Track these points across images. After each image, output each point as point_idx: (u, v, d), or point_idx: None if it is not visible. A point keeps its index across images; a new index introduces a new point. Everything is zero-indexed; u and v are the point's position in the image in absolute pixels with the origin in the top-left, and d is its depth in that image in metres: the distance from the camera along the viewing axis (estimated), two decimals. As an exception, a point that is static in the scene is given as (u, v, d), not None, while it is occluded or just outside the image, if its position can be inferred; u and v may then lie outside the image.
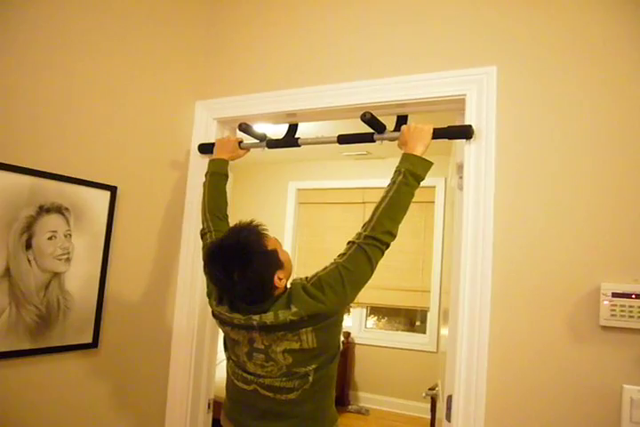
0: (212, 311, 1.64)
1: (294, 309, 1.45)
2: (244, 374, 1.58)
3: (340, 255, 1.55)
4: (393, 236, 1.57)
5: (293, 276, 1.58)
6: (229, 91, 2.23)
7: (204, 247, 1.83)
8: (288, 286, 1.55)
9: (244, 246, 1.45)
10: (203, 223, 1.89)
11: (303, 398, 1.52)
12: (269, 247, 1.49)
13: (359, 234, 1.55)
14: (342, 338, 5.20)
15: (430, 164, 1.63)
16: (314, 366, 1.50)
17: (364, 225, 1.57)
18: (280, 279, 1.49)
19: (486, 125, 1.69)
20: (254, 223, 1.54)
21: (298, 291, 1.48)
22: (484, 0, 1.78)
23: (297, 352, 1.48)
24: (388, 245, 1.56)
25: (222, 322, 1.60)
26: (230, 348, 1.63)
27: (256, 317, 1.48)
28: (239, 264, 1.43)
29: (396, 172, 1.62)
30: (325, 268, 1.54)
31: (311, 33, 2.10)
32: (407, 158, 1.63)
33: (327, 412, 1.60)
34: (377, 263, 1.55)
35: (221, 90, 2.25)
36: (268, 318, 1.46)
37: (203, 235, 1.87)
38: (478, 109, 1.71)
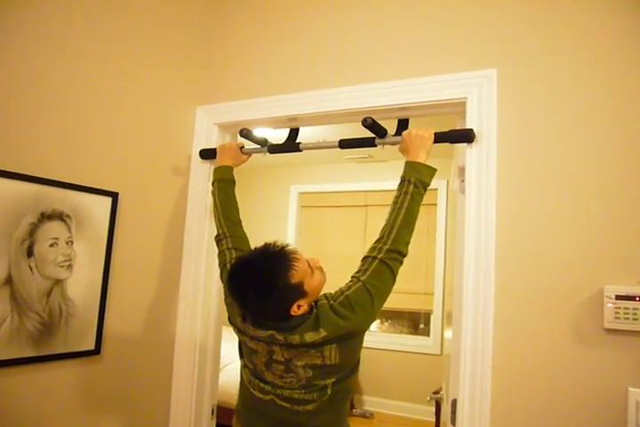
0: (229, 319, 1.63)
1: (323, 333, 1.42)
2: (261, 384, 1.55)
3: (362, 271, 1.52)
4: (408, 245, 1.57)
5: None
6: (230, 96, 2.23)
7: (220, 254, 1.81)
8: (313, 304, 1.50)
9: (265, 278, 1.41)
10: (217, 229, 1.87)
11: (320, 409, 1.50)
12: (294, 280, 1.42)
13: (378, 248, 1.53)
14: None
15: (435, 170, 1.63)
16: (333, 379, 1.49)
17: (380, 238, 1.54)
18: (300, 306, 1.44)
19: (487, 128, 1.69)
20: (286, 249, 1.47)
21: (326, 312, 1.45)
22: (484, 3, 1.78)
23: (319, 367, 1.47)
24: (406, 256, 1.57)
25: (241, 332, 1.59)
26: (247, 355, 1.62)
27: (280, 337, 1.45)
28: (258, 295, 1.40)
29: (405, 181, 1.60)
30: (349, 286, 1.50)
31: (311, 37, 2.10)
32: (414, 167, 1.62)
33: (342, 423, 1.59)
34: (397, 275, 1.55)
35: (222, 95, 2.25)
36: (295, 339, 1.44)
37: (218, 241, 1.85)
38: (479, 112, 1.71)
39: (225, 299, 1.67)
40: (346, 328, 1.44)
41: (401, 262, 1.56)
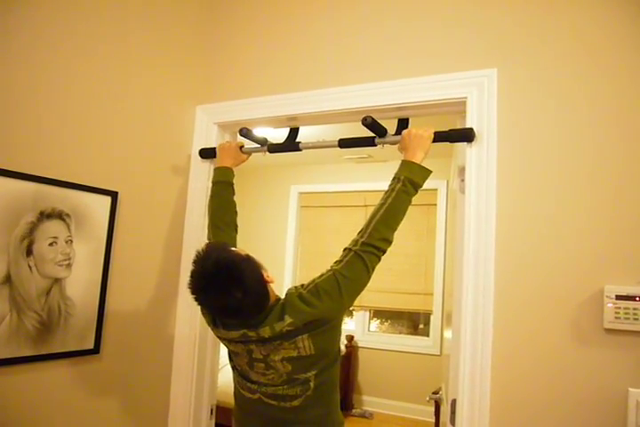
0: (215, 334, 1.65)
1: (288, 319, 1.45)
2: (248, 384, 1.59)
3: (337, 262, 1.55)
4: (389, 242, 1.57)
5: (288, 285, 1.57)
6: (230, 95, 2.23)
7: None
8: (279, 295, 1.54)
9: (226, 264, 1.42)
10: (207, 235, 1.91)
11: (307, 404, 1.52)
12: (243, 254, 1.48)
13: (355, 241, 1.55)
14: (345, 341, 5.18)
15: (429, 172, 1.63)
16: (314, 371, 1.50)
17: (360, 232, 1.57)
18: (268, 276, 1.49)
19: (487, 128, 1.69)
20: (212, 243, 1.58)
21: (292, 300, 1.48)
22: (483, 2, 1.78)
23: (295, 360, 1.49)
24: (384, 252, 1.57)
25: (220, 338, 1.62)
26: (233, 358, 1.65)
27: (252, 333, 1.48)
28: (235, 281, 1.40)
29: (394, 179, 1.62)
30: (322, 275, 1.54)
31: (311, 37, 2.10)
32: (407, 166, 1.63)
33: (333, 416, 1.60)
34: (373, 270, 1.55)
35: (222, 94, 2.25)
36: (265, 331, 1.46)
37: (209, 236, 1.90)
38: (479, 112, 1.71)
39: (201, 310, 1.69)
40: (311, 314, 1.46)
41: (377, 257, 1.55)
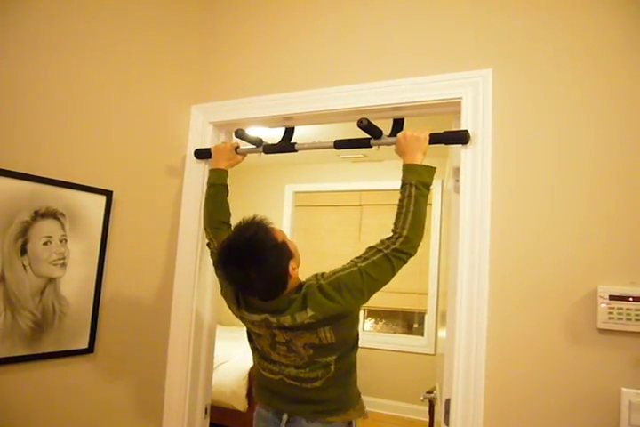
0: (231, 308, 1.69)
1: (311, 312, 1.49)
2: (270, 365, 1.67)
3: (362, 259, 1.57)
4: (417, 248, 1.60)
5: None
6: (225, 95, 2.22)
7: (211, 255, 1.90)
8: (302, 279, 1.59)
9: (255, 243, 1.48)
10: (206, 236, 1.96)
11: (327, 385, 1.61)
12: (279, 239, 1.53)
13: (386, 245, 1.56)
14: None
15: (434, 169, 1.64)
16: (334, 356, 1.59)
17: (391, 238, 1.58)
18: (293, 269, 1.53)
19: (482, 128, 1.69)
20: (258, 218, 1.56)
21: (313, 292, 1.52)
22: (479, 2, 1.78)
23: (317, 346, 1.56)
24: (412, 256, 1.60)
25: (243, 319, 1.67)
26: (255, 340, 1.71)
27: (273, 319, 1.53)
28: (255, 262, 1.45)
29: (406, 184, 1.62)
30: (344, 268, 1.56)
31: (306, 37, 2.10)
32: (413, 170, 1.63)
33: (351, 392, 1.70)
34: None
35: (217, 94, 2.25)
36: (286, 320, 1.52)
37: (207, 245, 1.95)
38: (474, 112, 1.71)
39: (220, 291, 1.74)
40: (333, 309, 1.50)
41: (405, 262, 1.59)
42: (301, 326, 1.52)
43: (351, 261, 1.58)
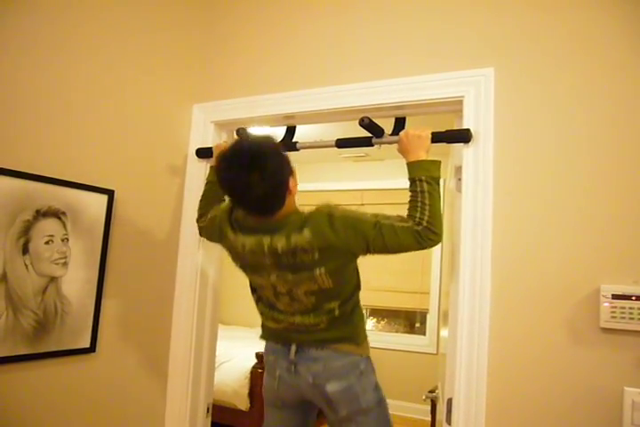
0: (230, 249, 1.70)
1: (308, 234, 1.50)
2: (275, 314, 1.70)
3: (385, 217, 1.54)
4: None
5: None
6: (227, 94, 2.22)
7: (203, 223, 1.90)
8: (299, 208, 1.61)
9: (259, 148, 1.49)
10: (198, 211, 1.96)
11: (332, 325, 1.64)
12: (281, 150, 1.55)
13: (416, 222, 1.51)
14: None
15: (440, 162, 1.63)
16: (337, 302, 1.61)
17: (421, 219, 1.52)
18: (294, 186, 1.56)
19: (484, 127, 1.69)
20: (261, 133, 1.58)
21: (320, 217, 1.53)
22: (480, 1, 1.78)
23: (317, 292, 1.59)
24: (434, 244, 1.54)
25: (238, 258, 1.68)
26: (257, 290, 1.75)
27: (266, 239, 1.53)
28: (258, 164, 1.45)
29: (416, 181, 1.59)
30: (364, 214, 1.55)
31: (308, 36, 2.09)
32: (419, 166, 1.61)
33: (358, 329, 1.71)
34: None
35: (219, 93, 2.24)
36: (280, 241, 1.52)
37: (199, 218, 1.95)
38: (476, 111, 1.71)
39: (211, 229, 1.78)
40: (330, 241, 1.50)
41: (432, 242, 1.52)
42: (292, 252, 1.50)
43: (372, 213, 1.56)
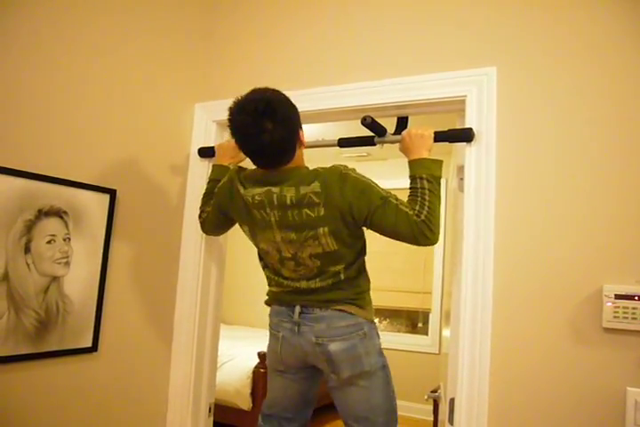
0: (240, 210, 1.69)
1: (317, 186, 1.51)
2: (280, 280, 1.72)
3: (396, 198, 1.55)
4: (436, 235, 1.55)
5: None
6: (228, 93, 2.20)
7: (203, 223, 1.92)
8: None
9: (274, 95, 1.52)
10: (200, 208, 1.96)
11: (339, 286, 1.65)
12: (291, 102, 1.56)
13: (416, 214, 1.51)
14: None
15: (441, 162, 1.63)
16: (342, 265, 1.63)
17: (419, 212, 1.52)
18: (303, 137, 1.59)
19: (486, 127, 1.68)
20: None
21: (333, 173, 1.54)
22: (482, 1, 1.77)
23: (322, 255, 1.60)
24: (427, 241, 1.54)
25: (246, 219, 1.68)
26: (264, 257, 1.77)
27: (276, 189, 1.55)
28: (273, 111, 1.47)
29: (417, 178, 1.58)
30: (377, 186, 1.57)
31: (311, 35, 2.09)
32: (420, 164, 1.61)
33: (362, 292, 1.72)
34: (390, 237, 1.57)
35: (221, 92, 2.24)
36: (289, 192, 1.53)
37: (201, 214, 1.94)
38: (478, 111, 1.70)
39: (221, 202, 1.78)
40: (334, 196, 1.51)
41: (427, 239, 1.52)
42: (299, 203, 1.52)
43: (385, 189, 1.57)
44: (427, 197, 1.54)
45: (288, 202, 1.55)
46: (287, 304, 1.72)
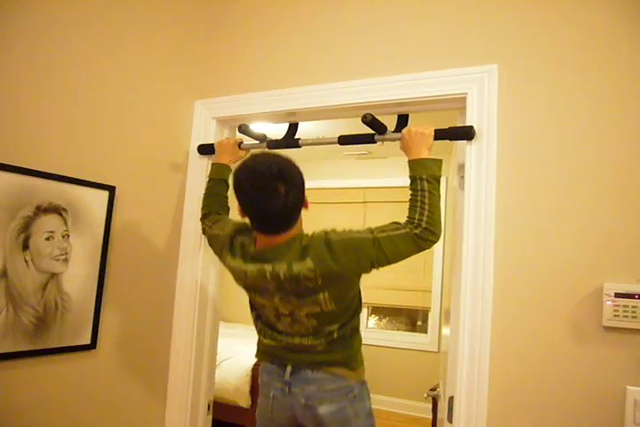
0: (232, 272, 1.68)
1: (309, 263, 1.48)
2: (274, 334, 1.69)
3: (380, 230, 1.53)
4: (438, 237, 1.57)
5: None
6: (229, 90, 2.21)
7: (208, 226, 1.88)
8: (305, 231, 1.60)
9: (282, 160, 1.51)
10: (202, 210, 1.95)
11: (330, 348, 1.63)
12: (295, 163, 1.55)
13: (415, 224, 1.52)
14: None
15: (441, 161, 1.63)
16: (337, 325, 1.61)
17: (413, 224, 1.53)
18: (307, 202, 1.58)
19: (487, 124, 1.68)
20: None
21: (319, 243, 1.52)
22: (484, -2, 1.77)
23: (319, 315, 1.58)
24: (432, 243, 1.56)
25: (240, 280, 1.66)
26: (258, 309, 1.73)
27: (268, 266, 1.52)
28: (285, 175, 1.46)
29: (417, 179, 1.59)
30: (359, 232, 1.55)
31: (311, 32, 2.08)
32: (421, 164, 1.60)
33: (355, 354, 1.69)
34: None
35: (221, 89, 2.24)
36: (282, 268, 1.51)
37: (204, 218, 1.93)
38: (479, 108, 1.70)
39: (214, 246, 1.77)
40: (331, 269, 1.49)
41: (424, 247, 1.54)
42: (295, 279, 1.49)
43: (368, 228, 1.55)
44: (426, 201, 1.55)
45: (282, 277, 1.52)
46: (278, 363, 1.70)
